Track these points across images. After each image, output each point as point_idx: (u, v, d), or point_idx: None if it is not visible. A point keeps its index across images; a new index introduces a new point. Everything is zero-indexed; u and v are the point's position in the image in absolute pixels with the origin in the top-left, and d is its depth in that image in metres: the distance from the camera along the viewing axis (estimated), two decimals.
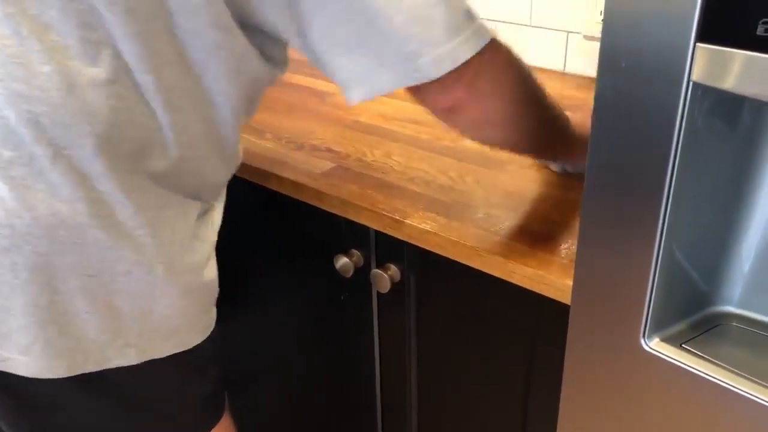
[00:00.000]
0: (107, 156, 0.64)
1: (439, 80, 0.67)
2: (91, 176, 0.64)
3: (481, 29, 0.69)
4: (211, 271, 0.80)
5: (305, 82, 1.31)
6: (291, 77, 1.33)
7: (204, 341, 0.80)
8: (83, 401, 0.75)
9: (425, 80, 0.67)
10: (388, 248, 0.93)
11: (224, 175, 0.82)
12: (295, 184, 0.96)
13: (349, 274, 0.97)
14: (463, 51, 0.66)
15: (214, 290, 0.82)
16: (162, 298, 0.72)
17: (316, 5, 0.65)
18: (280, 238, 1.11)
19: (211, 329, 0.82)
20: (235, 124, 0.75)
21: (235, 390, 1.37)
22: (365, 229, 0.94)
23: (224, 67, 0.68)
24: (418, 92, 0.70)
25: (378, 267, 0.95)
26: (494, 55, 0.71)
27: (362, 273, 0.97)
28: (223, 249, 1.21)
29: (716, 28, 0.48)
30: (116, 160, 0.65)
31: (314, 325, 1.14)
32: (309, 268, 1.08)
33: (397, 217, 0.87)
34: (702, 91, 0.53)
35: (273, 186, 0.99)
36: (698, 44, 0.49)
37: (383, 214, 0.88)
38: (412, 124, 1.12)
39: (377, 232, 0.92)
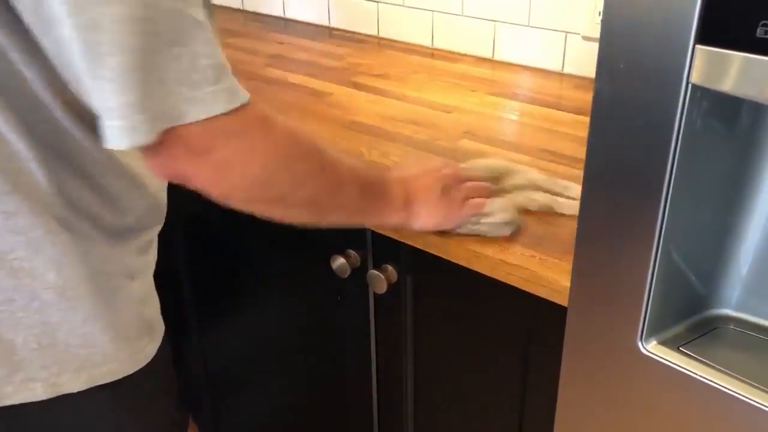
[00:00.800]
0: None
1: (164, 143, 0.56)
2: None
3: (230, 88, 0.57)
4: (132, 295, 0.73)
5: (303, 82, 1.30)
6: (289, 76, 1.33)
7: (139, 374, 0.73)
8: None
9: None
10: (385, 249, 0.93)
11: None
12: None
13: (346, 274, 0.97)
14: (205, 108, 0.55)
15: (142, 315, 0.74)
16: (62, 326, 0.67)
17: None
18: (276, 238, 1.10)
19: (147, 360, 0.74)
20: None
21: (230, 391, 1.37)
22: (362, 230, 0.93)
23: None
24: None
25: (375, 268, 0.94)
26: (247, 119, 0.59)
27: (359, 274, 0.96)
28: (218, 249, 1.21)
29: (715, 30, 0.48)
30: None
31: (310, 325, 1.13)
32: (305, 268, 1.08)
33: None
34: (701, 92, 0.53)
35: None
36: (697, 46, 0.49)
37: None
38: (410, 124, 1.12)
39: (374, 233, 0.92)
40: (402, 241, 0.87)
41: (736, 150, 0.62)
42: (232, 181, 0.61)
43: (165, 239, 0.84)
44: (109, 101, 0.53)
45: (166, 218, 0.81)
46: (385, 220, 0.79)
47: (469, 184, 0.83)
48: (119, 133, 0.54)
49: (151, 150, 0.57)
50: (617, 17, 0.53)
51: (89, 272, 0.67)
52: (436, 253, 0.84)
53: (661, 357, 0.61)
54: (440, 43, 1.46)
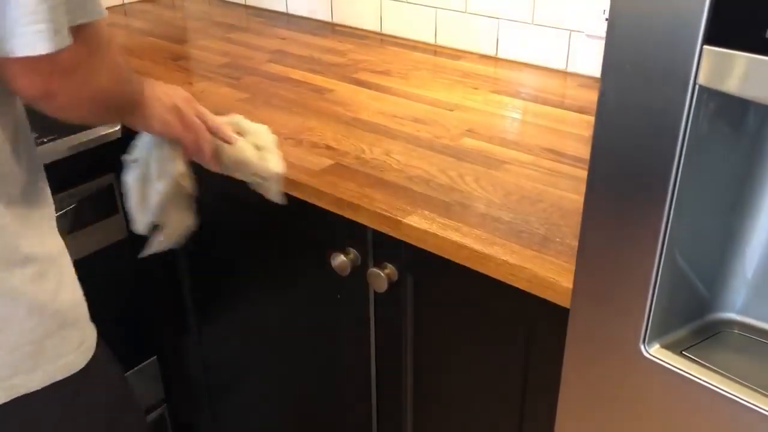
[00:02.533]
0: None
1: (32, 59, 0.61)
2: None
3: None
4: (45, 290, 0.71)
5: (304, 78, 1.29)
6: (290, 72, 1.32)
7: (82, 376, 0.74)
8: None
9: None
10: (386, 247, 0.92)
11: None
12: (292, 182, 0.95)
13: (346, 272, 0.96)
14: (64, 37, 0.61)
15: (66, 313, 0.73)
16: None
17: None
18: (275, 236, 1.10)
19: (78, 365, 0.74)
20: None
21: (230, 390, 1.36)
22: (363, 228, 0.93)
23: None
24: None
25: (375, 266, 0.93)
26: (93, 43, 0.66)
27: (359, 272, 0.96)
28: (218, 245, 1.20)
29: (724, 31, 0.47)
30: None
31: (310, 324, 1.13)
32: (305, 265, 1.07)
33: (395, 216, 0.86)
34: (708, 94, 0.52)
35: None
36: (705, 46, 0.48)
37: (380, 213, 0.87)
38: (412, 122, 1.11)
39: (374, 231, 0.91)
40: (402, 239, 0.87)
41: (742, 153, 0.61)
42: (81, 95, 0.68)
43: None
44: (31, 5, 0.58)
45: None
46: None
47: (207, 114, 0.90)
48: (47, 35, 0.59)
49: (32, 64, 0.61)
50: (623, 17, 0.52)
51: None
52: (436, 252, 0.84)
53: (664, 361, 0.60)
54: (443, 40, 1.45)
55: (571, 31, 1.27)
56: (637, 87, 0.53)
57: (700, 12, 0.48)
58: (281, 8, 1.69)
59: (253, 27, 1.61)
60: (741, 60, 0.47)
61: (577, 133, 1.07)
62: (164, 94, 0.84)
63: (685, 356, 0.61)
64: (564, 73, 1.31)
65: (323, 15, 1.61)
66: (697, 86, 0.50)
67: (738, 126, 0.60)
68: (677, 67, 0.50)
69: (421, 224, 0.84)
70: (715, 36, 0.48)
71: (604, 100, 0.56)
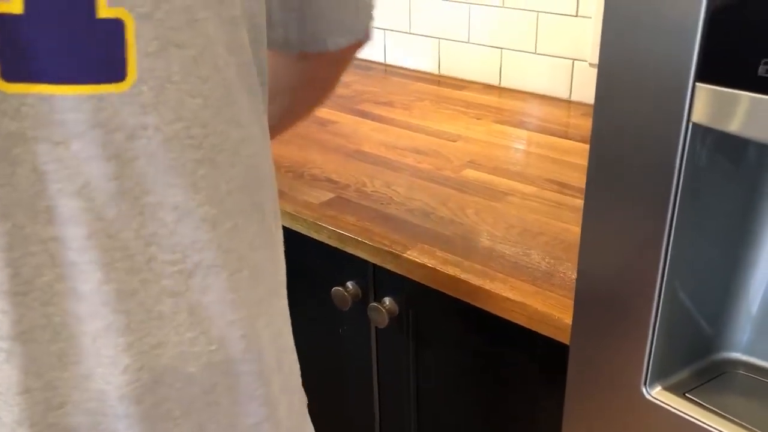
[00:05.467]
0: None
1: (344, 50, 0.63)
2: None
3: None
4: None
5: None
6: None
7: None
8: None
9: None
10: (387, 281, 0.91)
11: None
12: (293, 216, 0.95)
13: (347, 307, 0.95)
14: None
15: None
16: None
17: None
18: None
19: None
20: None
21: None
22: (363, 262, 0.92)
23: None
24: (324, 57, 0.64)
25: (376, 300, 0.92)
26: None
27: (360, 307, 0.94)
28: None
29: (716, 68, 0.46)
30: None
31: (311, 358, 1.11)
32: (305, 300, 1.06)
33: (395, 251, 0.85)
34: (704, 129, 0.51)
35: None
36: (698, 84, 0.47)
37: (381, 248, 0.86)
38: (414, 153, 1.11)
39: (375, 265, 0.90)
40: (403, 274, 0.86)
41: (743, 186, 0.60)
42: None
43: None
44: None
45: None
46: None
47: None
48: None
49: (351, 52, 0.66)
50: (614, 54, 0.51)
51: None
52: (436, 287, 0.83)
53: (666, 403, 0.59)
54: (447, 70, 1.45)
55: (574, 60, 1.27)
56: (631, 124, 0.52)
57: (691, 49, 0.47)
58: None
59: None
60: (735, 98, 0.46)
61: (580, 163, 1.06)
62: None
63: (688, 398, 0.59)
64: (567, 103, 1.30)
65: None
66: (690, 124, 0.49)
67: (738, 159, 0.58)
68: (670, 104, 0.49)
69: (421, 258, 0.83)
70: (708, 73, 0.47)
71: (597, 135, 0.55)
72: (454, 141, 1.15)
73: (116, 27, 0.42)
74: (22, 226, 0.43)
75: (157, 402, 0.48)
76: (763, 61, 0.44)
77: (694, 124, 0.49)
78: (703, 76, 0.47)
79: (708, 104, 0.47)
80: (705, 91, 0.47)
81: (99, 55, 0.42)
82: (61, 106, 0.42)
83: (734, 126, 0.47)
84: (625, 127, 0.53)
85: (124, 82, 0.43)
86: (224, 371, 0.50)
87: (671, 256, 0.57)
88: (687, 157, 0.52)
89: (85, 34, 0.41)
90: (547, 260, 0.82)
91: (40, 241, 0.44)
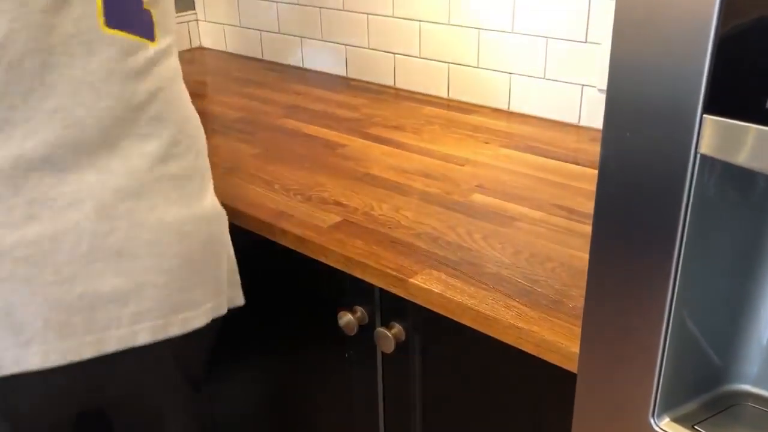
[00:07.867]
0: None
1: None
2: None
3: None
4: None
5: (318, 133, 1.30)
6: (304, 127, 1.33)
7: None
8: None
9: None
10: (393, 306, 0.91)
11: None
12: (300, 239, 0.95)
13: (353, 332, 0.95)
14: None
15: None
16: None
17: None
18: (283, 293, 1.09)
19: None
20: None
21: None
22: (370, 286, 0.92)
23: None
24: None
25: (383, 325, 0.92)
26: None
27: (366, 331, 0.94)
28: None
29: (724, 99, 0.47)
30: None
31: (317, 383, 1.11)
32: (312, 324, 1.06)
33: (402, 276, 0.85)
34: (712, 160, 0.51)
35: (278, 239, 0.98)
36: (705, 115, 0.47)
37: (388, 272, 0.86)
38: (423, 177, 1.11)
39: (382, 290, 0.90)
40: (409, 299, 0.85)
41: (752, 217, 0.60)
42: None
43: None
44: None
45: None
46: None
47: None
48: None
49: None
50: (623, 82, 0.51)
51: None
52: (443, 313, 0.82)
53: None
54: (456, 95, 1.46)
55: (583, 85, 1.27)
56: (639, 155, 0.52)
57: (699, 81, 0.47)
58: (297, 63, 1.72)
59: (269, 82, 1.63)
60: (742, 130, 0.46)
61: (589, 189, 1.06)
62: None
63: (696, 431, 0.58)
64: (576, 128, 1.30)
65: (339, 70, 1.64)
66: (698, 155, 0.49)
67: (746, 190, 0.58)
68: (678, 135, 0.49)
69: (428, 284, 0.83)
70: (715, 105, 0.47)
71: (605, 165, 0.55)
72: (462, 165, 1.15)
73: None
74: None
75: None
76: None
77: (702, 155, 0.49)
78: (710, 107, 0.47)
79: (715, 135, 0.47)
80: (712, 122, 0.47)
81: None
82: None
83: (741, 158, 0.47)
84: (633, 156, 0.53)
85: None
86: None
87: (679, 285, 0.56)
88: (695, 187, 0.52)
89: None
90: (554, 287, 0.82)
91: None
